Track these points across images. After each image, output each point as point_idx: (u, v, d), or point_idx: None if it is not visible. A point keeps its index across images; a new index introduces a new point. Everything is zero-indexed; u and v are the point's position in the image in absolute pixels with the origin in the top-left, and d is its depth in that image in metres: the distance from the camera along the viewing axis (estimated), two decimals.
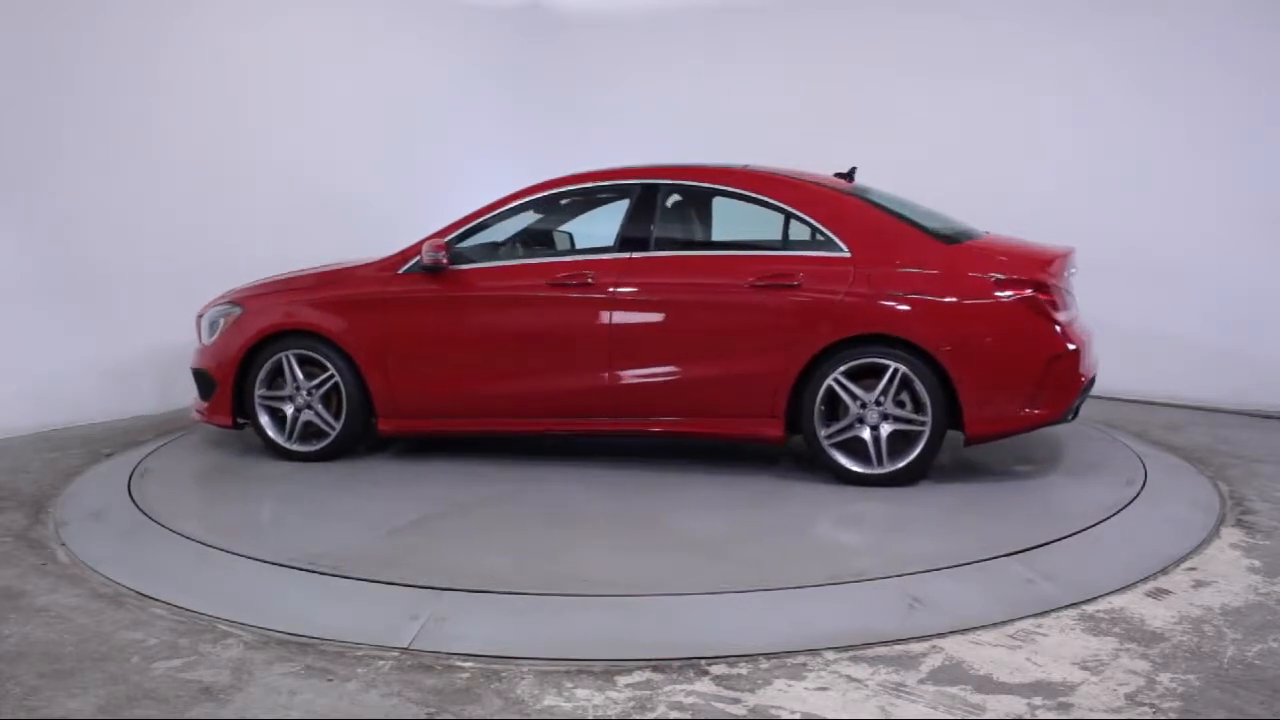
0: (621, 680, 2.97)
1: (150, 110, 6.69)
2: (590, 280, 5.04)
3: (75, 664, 3.12)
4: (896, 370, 4.69)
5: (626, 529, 4.32)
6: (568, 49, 9.09)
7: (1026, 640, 3.20)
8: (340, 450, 5.37)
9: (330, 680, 2.99)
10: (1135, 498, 4.56)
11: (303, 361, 5.36)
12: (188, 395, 6.78)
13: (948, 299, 4.74)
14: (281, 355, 5.36)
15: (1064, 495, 4.66)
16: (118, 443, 5.88)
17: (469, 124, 8.61)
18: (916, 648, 3.15)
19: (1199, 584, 3.66)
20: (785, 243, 5.13)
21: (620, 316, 5.02)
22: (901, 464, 4.74)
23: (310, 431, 5.39)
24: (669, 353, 4.97)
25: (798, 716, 2.75)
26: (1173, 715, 2.74)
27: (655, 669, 3.03)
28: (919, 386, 4.68)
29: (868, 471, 4.77)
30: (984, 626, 3.28)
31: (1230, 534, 4.18)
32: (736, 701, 2.83)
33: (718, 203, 5.40)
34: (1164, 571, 3.76)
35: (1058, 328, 4.67)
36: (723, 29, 8.35)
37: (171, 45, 6.79)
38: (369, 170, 7.89)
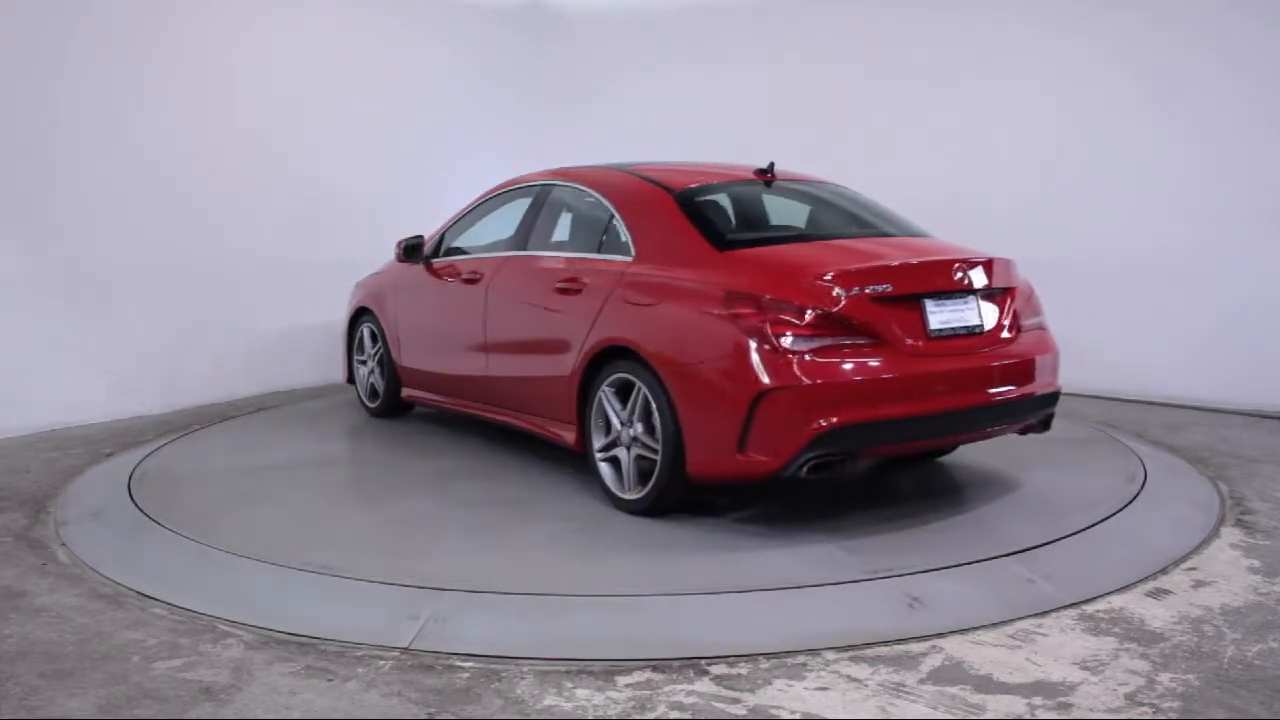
0: (621, 680, 2.97)
1: (151, 110, 6.70)
2: (478, 278, 5.44)
3: (75, 664, 3.12)
4: (639, 390, 4.29)
5: (355, 505, 4.77)
6: (568, 49, 9.09)
7: (1026, 640, 3.20)
8: (389, 410, 6.37)
9: (330, 680, 2.99)
10: (1135, 498, 4.55)
11: (373, 335, 6.41)
12: (188, 395, 6.84)
13: (678, 314, 4.19)
14: (362, 327, 6.52)
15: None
16: (118, 443, 5.88)
17: (469, 124, 8.62)
18: (916, 648, 3.15)
19: (1199, 584, 3.66)
20: (600, 244, 4.84)
21: (491, 312, 5.31)
22: (640, 494, 4.32)
23: (374, 392, 6.45)
24: (510, 349, 5.20)
25: (798, 716, 2.75)
26: (1173, 715, 2.74)
27: (655, 669, 3.03)
28: (654, 409, 4.22)
29: (620, 495, 4.41)
30: (984, 626, 3.28)
31: (1230, 534, 4.18)
32: (736, 701, 2.83)
33: (591, 204, 5.16)
34: (1164, 571, 3.76)
35: (782, 358, 3.87)
36: (723, 29, 8.35)
37: (172, 45, 6.79)
38: (369, 169, 7.90)
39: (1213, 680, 2.93)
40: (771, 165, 5.00)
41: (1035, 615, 3.37)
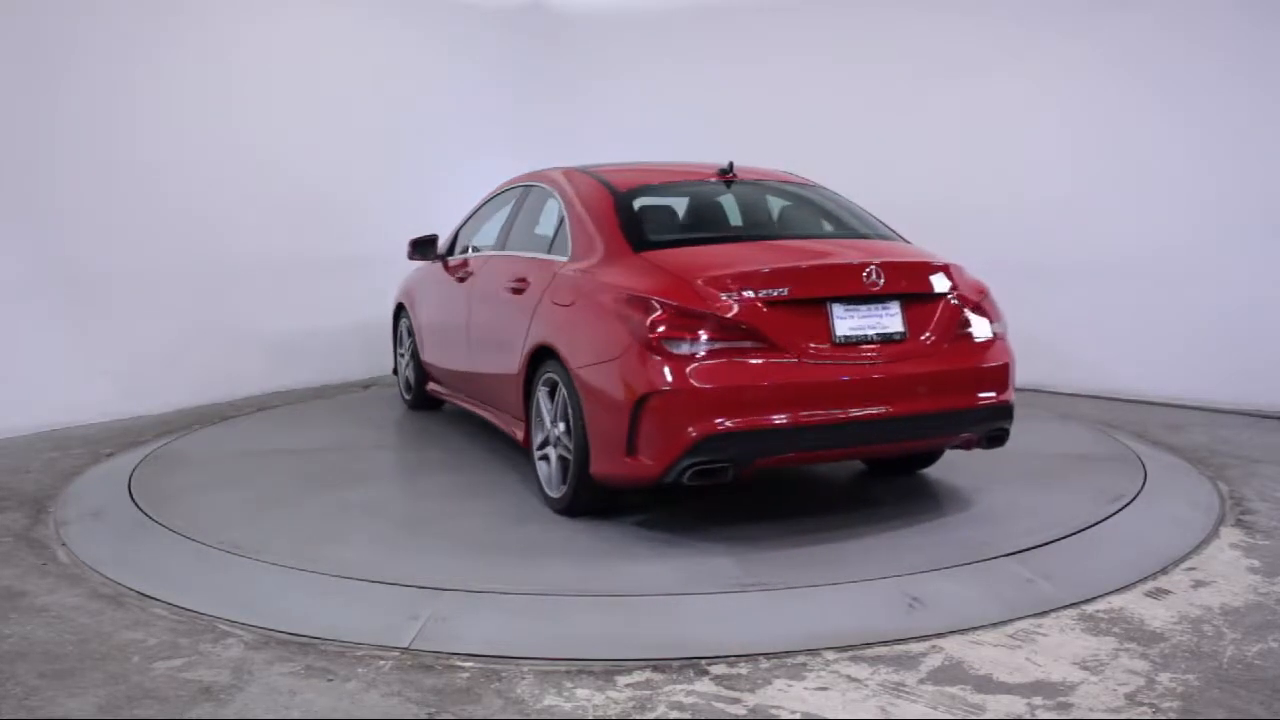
0: (621, 680, 2.97)
1: (152, 110, 6.70)
2: (467, 276, 5.60)
3: (75, 664, 3.12)
4: (560, 390, 4.28)
5: (309, 494, 4.81)
6: (568, 49, 9.10)
7: (1026, 640, 3.20)
8: (422, 403, 6.55)
9: (330, 680, 2.99)
10: (1135, 498, 4.56)
11: (409, 330, 6.59)
12: (188, 395, 6.83)
13: (585, 315, 4.19)
14: (401, 323, 6.75)
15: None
16: (118, 443, 5.88)
17: (469, 124, 8.62)
18: (916, 648, 3.15)
19: (1198, 584, 3.66)
20: (552, 245, 4.82)
21: (471, 310, 5.44)
22: (561, 493, 4.32)
23: (408, 385, 6.66)
24: (481, 346, 5.34)
25: (798, 716, 2.75)
26: (1172, 715, 2.74)
27: (655, 669, 3.03)
28: (570, 410, 4.17)
29: (548, 493, 4.42)
30: (984, 626, 3.28)
31: (1230, 534, 4.18)
32: (736, 701, 2.83)
33: (552, 204, 5.17)
34: (1164, 571, 3.76)
35: (664, 361, 3.80)
36: (722, 28, 8.35)
37: (172, 45, 6.80)
38: (370, 169, 7.91)
39: (1213, 680, 2.93)
40: (731, 165, 4.92)
41: (1035, 615, 3.37)
